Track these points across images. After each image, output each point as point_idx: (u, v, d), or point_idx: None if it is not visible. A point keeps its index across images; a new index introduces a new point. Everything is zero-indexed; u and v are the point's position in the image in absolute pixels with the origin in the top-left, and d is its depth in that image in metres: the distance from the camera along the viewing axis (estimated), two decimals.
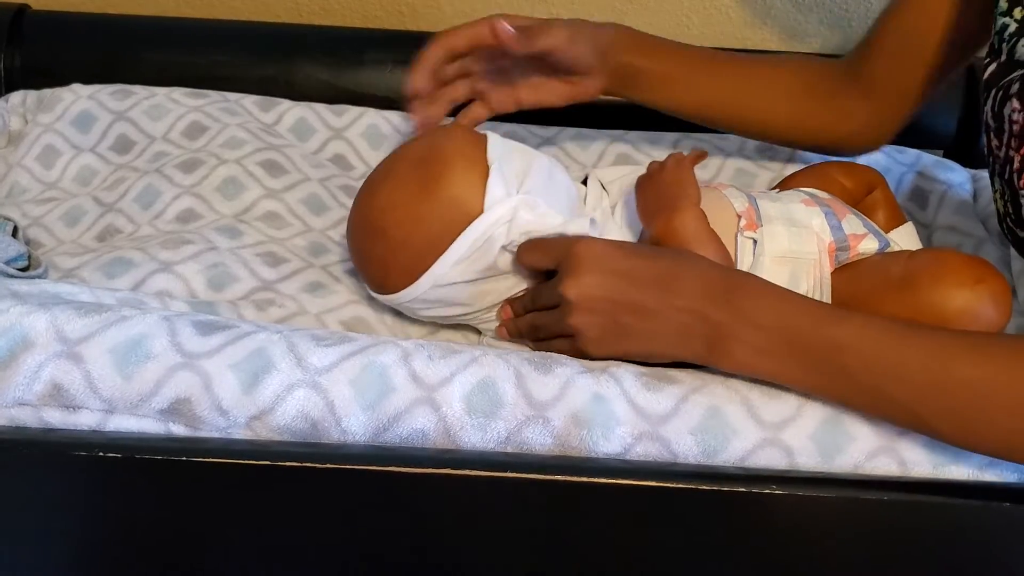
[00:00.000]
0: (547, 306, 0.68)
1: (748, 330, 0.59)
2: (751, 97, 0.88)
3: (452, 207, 0.70)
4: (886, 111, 0.87)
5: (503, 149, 0.73)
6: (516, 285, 0.72)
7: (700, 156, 0.77)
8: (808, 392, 0.60)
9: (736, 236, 0.73)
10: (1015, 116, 0.68)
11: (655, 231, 0.71)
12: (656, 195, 0.73)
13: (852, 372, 0.57)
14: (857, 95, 0.87)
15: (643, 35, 0.86)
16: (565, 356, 0.64)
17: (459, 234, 0.69)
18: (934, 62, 0.83)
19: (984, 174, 1.01)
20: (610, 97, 0.87)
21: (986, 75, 0.75)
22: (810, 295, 0.74)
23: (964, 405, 0.55)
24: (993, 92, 0.72)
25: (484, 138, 0.74)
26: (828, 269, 0.74)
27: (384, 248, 0.72)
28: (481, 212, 0.69)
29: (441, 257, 0.70)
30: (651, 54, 0.85)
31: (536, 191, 0.71)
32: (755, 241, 0.73)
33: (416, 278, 0.71)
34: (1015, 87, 0.69)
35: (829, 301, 0.73)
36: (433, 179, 0.70)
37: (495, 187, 0.70)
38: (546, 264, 0.68)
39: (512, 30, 0.75)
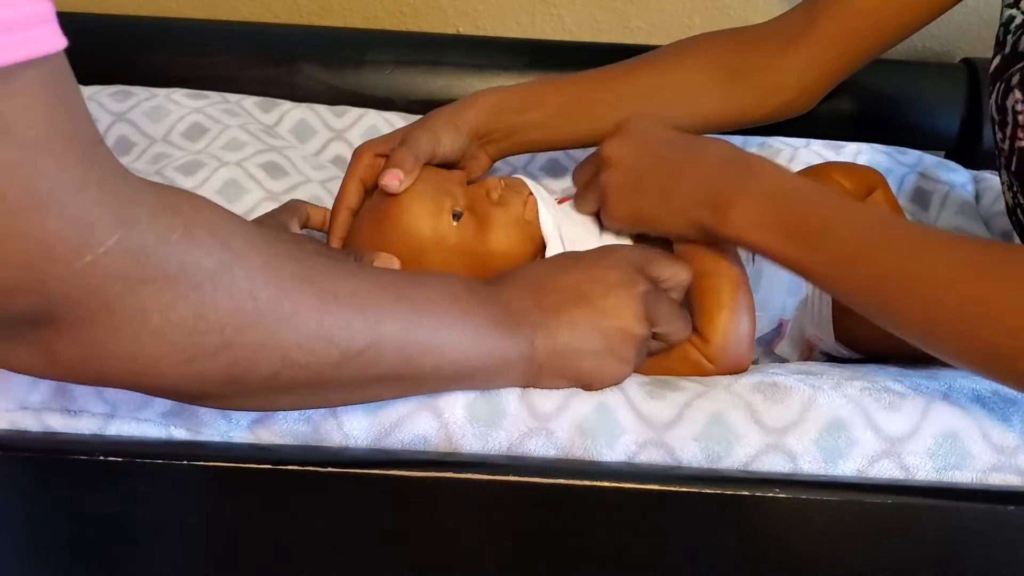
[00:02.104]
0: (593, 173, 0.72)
1: (746, 200, 0.62)
2: (668, 105, 0.83)
3: (405, 238, 0.71)
4: (827, 75, 0.84)
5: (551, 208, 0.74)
6: None
7: None
8: (790, 267, 0.61)
9: None
10: (1018, 107, 0.68)
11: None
12: None
13: (833, 255, 0.58)
14: (790, 64, 0.83)
15: (515, 90, 0.83)
16: None
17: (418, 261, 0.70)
18: (890, 29, 0.81)
19: (986, 175, 1.01)
20: None
21: (991, 68, 0.75)
22: (810, 299, 0.73)
23: (925, 299, 0.55)
24: (997, 85, 0.72)
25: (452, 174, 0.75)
26: None
27: None
28: (430, 229, 0.71)
29: None
30: (524, 106, 0.82)
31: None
32: None
33: None
34: (1016, 78, 0.69)
35: (829, 307, 0.73)
36: (384, 215, 0.72)
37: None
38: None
39: (397, 180, 0.72)
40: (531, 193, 0.73)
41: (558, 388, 0.60)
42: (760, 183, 0.62)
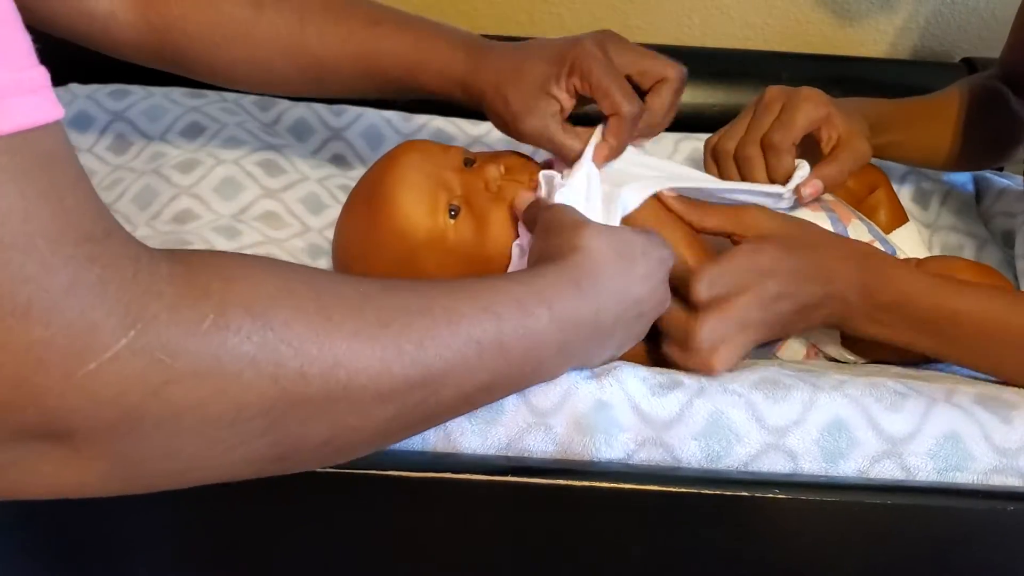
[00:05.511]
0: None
1: (875, 314, 0.65)
2: (947, 140, 0.91)
3: (400, 238, 0.68)
4: None
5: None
6: None
7: None
8: (923, 351, 0.67)
9: None
10: None
11: None
12: None
13: (964, 336, 0.64)
14: (1019, 103, 0.90)
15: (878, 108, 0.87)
16: None
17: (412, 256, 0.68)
18: None
19: (986, 175, 1.01)
20: None
21: None
22: None
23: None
24: None
25: (435, 150, 0.71)
26: None
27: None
28: (426, 229, 0.67)
29: None
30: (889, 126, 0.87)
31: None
32: None
33: None
34: None
35: None
36: (377, 212, 0.68)
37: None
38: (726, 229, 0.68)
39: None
40: (533, 176, 0.69)
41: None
42: (880, 285, 0.65)
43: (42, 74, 0.35)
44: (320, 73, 0.75)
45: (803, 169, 0.73)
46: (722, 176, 0.78)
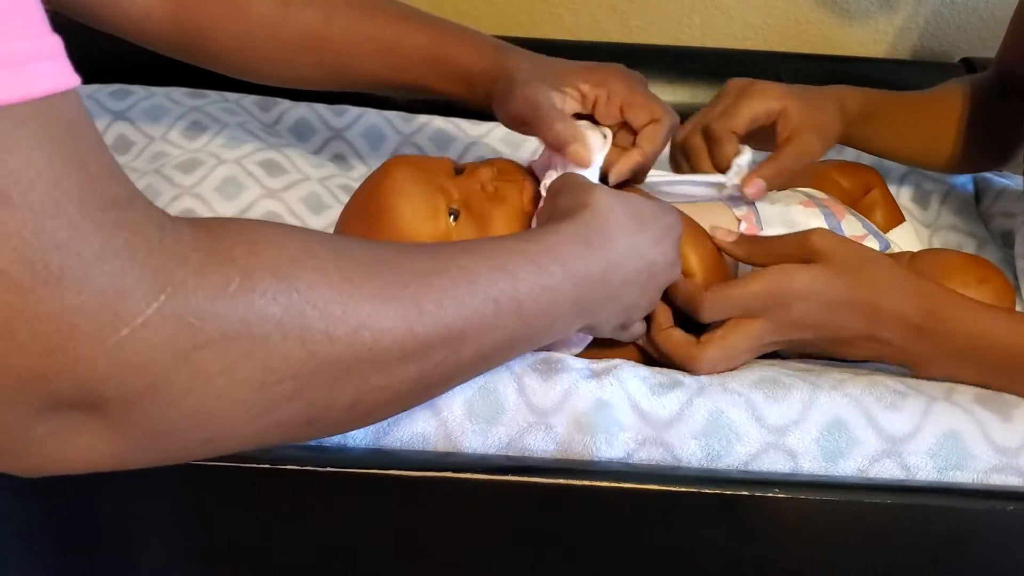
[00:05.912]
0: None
1: (942, 360, 0.63)
2: (942, 139, 0.90)
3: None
4: None
5: None
6: None
7: None
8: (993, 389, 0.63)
9: None
10: None
11: None
12: None
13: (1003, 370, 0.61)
14: (1016, 106, 0.89)
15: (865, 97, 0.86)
16: (571, 358, 0.62)
17: None
18: None
19: (986, 175, 1.01)
20: None
21: None
22: None
23: None
24: None
25: (430, 164, 0.70)
26: None
27: None
28: (428, 234, 0.67)
29: None
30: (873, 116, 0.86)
31: None
32: None
33: None
34: None
35: None
36: (379, 223, 0.67)
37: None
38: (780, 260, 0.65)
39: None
40: (526, 178, 0.69)
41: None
42: (948, 332, 0.62)
43: (57, 40, 0.35)
44: (344, 66, 0.76)
45: (745, 155, 0.73)
46: (675, 167, 0.78)
